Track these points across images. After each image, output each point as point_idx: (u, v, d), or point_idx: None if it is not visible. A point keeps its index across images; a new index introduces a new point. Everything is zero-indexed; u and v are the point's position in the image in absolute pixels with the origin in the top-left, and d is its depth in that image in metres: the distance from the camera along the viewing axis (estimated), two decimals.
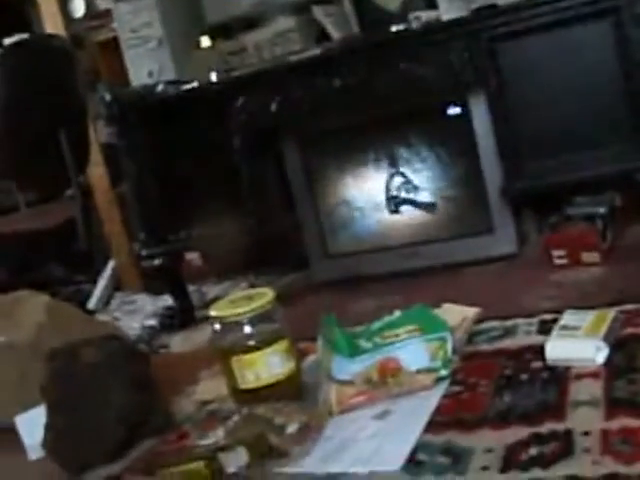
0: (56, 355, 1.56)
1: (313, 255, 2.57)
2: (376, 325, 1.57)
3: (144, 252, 2.49)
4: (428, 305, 1.60)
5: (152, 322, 2.55)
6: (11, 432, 1.74)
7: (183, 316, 2.51)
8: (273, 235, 2.53)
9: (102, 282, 2.77)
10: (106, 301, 2.75)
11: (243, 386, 1.53)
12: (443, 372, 1.50)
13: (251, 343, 1.52)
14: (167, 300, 2.60)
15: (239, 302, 1.55)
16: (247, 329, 1.53)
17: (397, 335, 1.50)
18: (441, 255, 2.42)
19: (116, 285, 2.84)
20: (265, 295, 1.55)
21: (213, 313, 1.55)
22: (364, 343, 1.51)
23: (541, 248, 2.29)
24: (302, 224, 2.53)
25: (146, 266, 2.50)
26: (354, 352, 1.48)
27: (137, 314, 2.62)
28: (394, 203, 2.45)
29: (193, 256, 2.82)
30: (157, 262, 2.47)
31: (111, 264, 2.82)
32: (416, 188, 2.43)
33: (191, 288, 2.60)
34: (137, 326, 2.54)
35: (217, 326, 1.55)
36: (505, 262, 2.37)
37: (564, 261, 2.20)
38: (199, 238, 2.50)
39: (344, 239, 2.55)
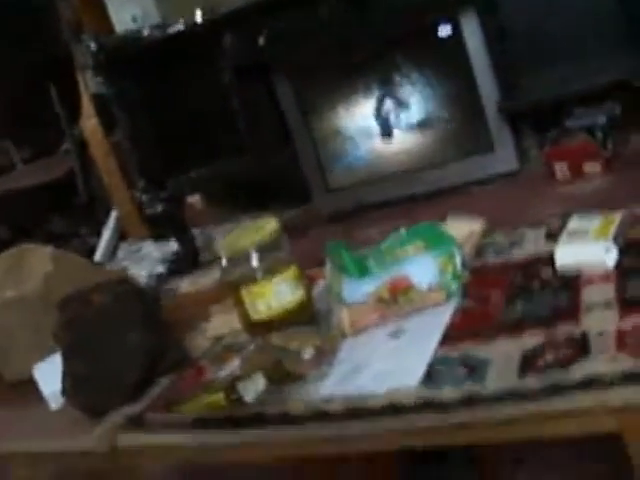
0: (67, 302, 1.56)
1: (313, 189, 2.55)
2: (383, 245, 1.56)
3: (145, 199, 2.48)
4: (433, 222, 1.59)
5: (160, 268, 2.55)
6: (30, 384, 1.75)
7: (190, 260, 2.51)
8: (272, 171, 2.52)
9: (106, 233, 2.77)
10: (112, 252, 2.74)
11: (255, 317, 1.53)
12: (454, 287, 1.50)
13: (259, 274, 1.51)
14: (173, 245, 2.59)
15: (244, 234, 1.55)
16: (254, 260, 1.52)
17: (405, 253, 1.49)
18: (441, 178, 2.40)
19: (121, 235, 2.83)
20: (269, 224, 1.54)
21: (219, 247, 1.54)
22: (373, 263, 1.50)
23: (542, 163, 2.28)
24: (300, 158, 2.52)
25: (148, 213, 2.49)
26: (363, 273, 1.48)
27: (144, 262, 2.62)
28: (387, 128, 2.43)
29: (194, 199, 2.81)
30: (159, 208, 2.46)
31: (114, 214, 2.81)
32: (409, 110, 2.40)
33: (195, 231, 2.59)
34: (145, 274, 2.54)
35: (224, 260, 1.55)
36: (507, 180, 2.36)
37: (566, 174, 2.18)
38: (198, 180, 2.49)
39: (343, 170, 2.54)
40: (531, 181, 2.30)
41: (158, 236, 2.69)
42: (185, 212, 2.58)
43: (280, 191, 2.65)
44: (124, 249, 2.72)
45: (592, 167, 2.14)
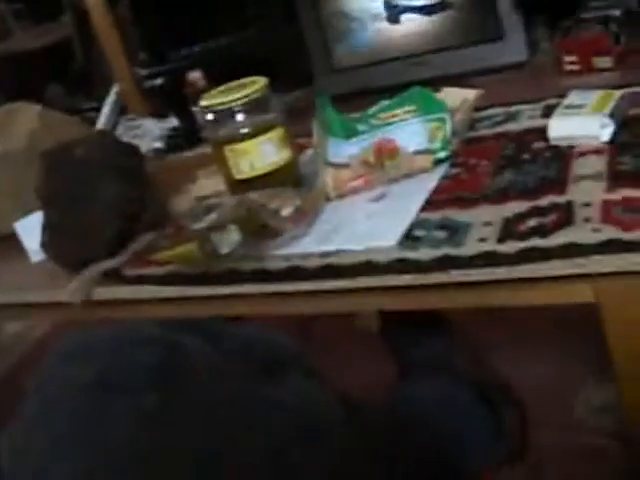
0: (47, 154, 1.53)
1: (318, 70, 2.50)
2: (372, 109, 1.52)
3: (145, 72, 2.43)
4: (427, 89, 1.54)
5: (158, 144, 2.52)
6: (12, 239, 1.74)
7: (188, 136, 2.47)
8: (276, 49, 2.46)
9: (107, 108, 2.72)
10: (112, 127, 2.70)
11: (238, 176, 1.50)
12: (442, 154, 1.46)
13: (244, 131, 1.47)
14: (173, 122, 2.55)
15: (231, 91, 1.50)
16: (240, 117, 1.48)
17: (394, 116, 1.45)
18: (448, 64, 2.34)
19: (121, 111, 2.78)
20: (257, 82, 1.50)
21: (204, 103, 1.50)
22: (360, 126, 1.46)
23: (552, 55, 2.21)
24: (305, 37, 2.45)
25: (148, 87, 2.45)
26: (349, 134, 1.43)
27: (143, 138, 2.58)
28: (394, 11, 2.36)
29: (197, 76, 2.75)
30: (159, 82, 2.42)
31: (114, 89, 2.76)
32: None
33: (196, 109, 2.54)
34: (144, 149, 2.50)
35: (209, 116, 1.51)
36: (515, 70, 2.30)
37: (575, 67, 2.12)
38: (200, 55, 2.44)
39: (348, 51, 2.47)
40: (539, 73, 2.24)
41: (158, 113, 2.65)
42: (186, 88, 2.52)
43: (284, 71, 2.58)
44: (123, 125, 2.67)
45: (602, 62, 2.07)
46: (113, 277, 1.49)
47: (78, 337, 0.93)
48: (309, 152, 1.63)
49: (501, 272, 1.16)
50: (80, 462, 0.76)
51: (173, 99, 2.50)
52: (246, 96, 1.46)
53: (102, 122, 2.70)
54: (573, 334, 1.71)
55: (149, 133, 2.59)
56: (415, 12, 2.31)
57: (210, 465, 0.77)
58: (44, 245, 1.53)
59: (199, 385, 0.84)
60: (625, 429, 1.39)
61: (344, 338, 2.00)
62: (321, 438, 0.90)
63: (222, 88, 1.53)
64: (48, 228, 1.52)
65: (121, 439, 0.77)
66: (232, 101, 1.46)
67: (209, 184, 1.65)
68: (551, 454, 1.48)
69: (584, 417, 1.52)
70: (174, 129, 2.53)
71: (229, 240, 1.26)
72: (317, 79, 2.50)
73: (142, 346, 0.87)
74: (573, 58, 2.12)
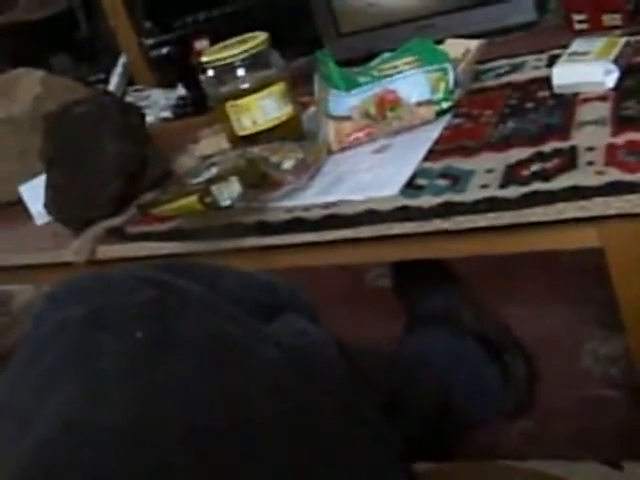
0: (48, 115, 1.53)
1: (324, 35, 2.48)
2: (374, 62, 1.50)
3: (151, 41, 2.43)
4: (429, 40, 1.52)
5: (166, 113, 2.52)
6: (20, 205, 1.74)
7: (196, 105, 2.46)
8: (282, 15, 2.44)
9: (114, 79, 2.71)
10: (120, 97, 2.69)
11: (240, 133, 1.48)
12: (444, 105, 1.44)
13: (245, 86, 1.46)
14: (180, 91, 2.55)
15: (231, 46, 1.49)
16: (240, 72, 1.47)
17: (395, 67, 1.43)
18: (456, 26, 2.31)
19: (128, 82, 2.78)
20: (258, 37, 1.48)
21: (204, 59, 1.49)
22: (361, 77, 1.44)
23: (561, 14, 2.19)
24: (310, 1, 2.43)
25: (154, 56, 2.44)
26: (350, 86, 1.42)
27: (152, 108, 2.58)
28: None
29: (204, 45, 2.74)
30: (165, 51, 2.41)
31: (122, 60, 2.75)
32: None
33: (202, 78, 2.53)
34: (152, 119, 2.50)
35: (210, 72, 1.50)
36: (524, 31, 2.28)
37: (585, 26, 2.09)
38: (206, 23, 2.43)
39: (355, 15, 2.45)
40: (548, 32, 2.21)
41: (165, 83, 2.65)
42: (193, 58, 2.51)
43: (291, 37, 2.56)
44: (132, 95, 2.67)
45: (612, 20, 2.04)
46: (116, 235, 1.48)
47: (65, 282, 0.92)
48: (312, 109, 1.62)
49: (504, 217, 1.14)
50: (70, 397, 0.76)
51: (180, 68, 2.49)
52: (246, 51, 1.44)
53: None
54: (581, 286, 1.69)
55: (157, 103, 2.58)
56: None
57: (199, 400, 0.76)
58: (47, 206, 1.53)
59: (188, 322, 0.83)
60: (631, 379, 1.39)
61: (356, 295, 2.00)
62: (318, 377, 0.89)
63: (222, 44, 1.51)
64: (51, 188, 1.51)
65: (110, 376, 0.77)
66: (232, 56, 1.44)
67: (212, 143, 1.64)
68: (557, 405, 1.47)
69: (591, 368, 1.51)
70: (182, 98, 2.53)
71: (229, 191, 1.24)
72: (324, 44, 2.48)
73: (130, 285, 0.86)
74: (582, 16, 2.09)
